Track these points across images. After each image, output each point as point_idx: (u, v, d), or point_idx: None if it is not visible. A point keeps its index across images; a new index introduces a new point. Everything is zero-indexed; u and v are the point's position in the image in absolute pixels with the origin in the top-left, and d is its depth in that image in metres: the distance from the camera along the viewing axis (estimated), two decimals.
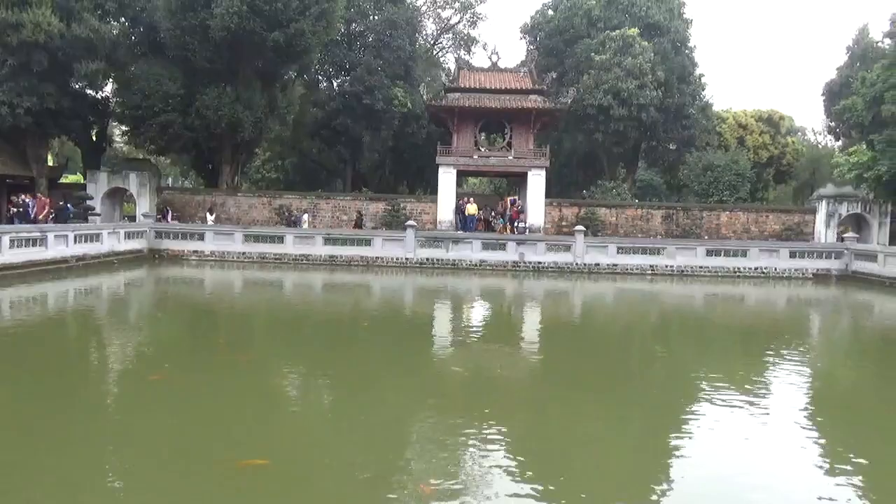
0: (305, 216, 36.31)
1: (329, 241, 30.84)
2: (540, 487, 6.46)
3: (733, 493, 6.64)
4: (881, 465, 7.58)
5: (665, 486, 6.75)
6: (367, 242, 31.00)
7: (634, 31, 40.34)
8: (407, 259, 30.46)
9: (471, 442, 7.69)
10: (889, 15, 34.00)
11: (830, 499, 6.46)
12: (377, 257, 30.51)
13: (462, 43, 53.51)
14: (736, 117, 51.55)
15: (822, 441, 8.42)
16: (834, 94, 46.60)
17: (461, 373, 11.60)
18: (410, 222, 31.94)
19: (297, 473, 6.78)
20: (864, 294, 26.77)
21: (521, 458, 7.32)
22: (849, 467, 7.38)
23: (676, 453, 7.79)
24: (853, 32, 48.51)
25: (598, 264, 30.80)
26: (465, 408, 9.16)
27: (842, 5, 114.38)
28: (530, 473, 6.87)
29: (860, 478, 7.06)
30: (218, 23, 31.61)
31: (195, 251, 30.53)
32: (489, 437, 7.89)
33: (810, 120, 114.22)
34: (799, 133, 62.18)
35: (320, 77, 46.91)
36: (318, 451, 7.52)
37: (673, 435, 8.45)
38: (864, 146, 34.96)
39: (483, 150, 38.21)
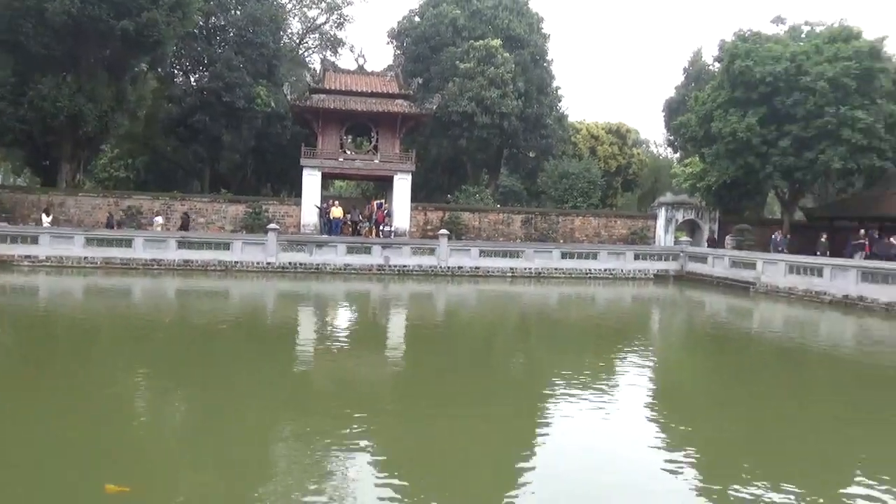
0: (158, 218, 34.15)
1: (183, 244, 29.19)
2: (405, 491, 6.55)
3: (587, 479, 7.09)
4: (716, 445, 8.41)
5: (523, 479, 7.08)
6: (226, 246, 29.71)
7: (497, 42, 41.91)
8: (268, 263, 29.55)
9: (337, 452, 7.58)
10: (718, 41, 37.89)
11: (672, 471, 7.11)
12: (236, 261, 29.33)
13: (328, 44, 52.91)
14: (589, 129, 55.04)
15: (663, 422, 9.24)
16: (673, 110, 51.13)
17: (325, 380, 11.45)
18: (273, 225, 31.03)
19: (161, 499, 6.29)
20: (696, 292, 29.56)
21: (387, 464, 7.35)
22: (687, 446, 8.15)
23: (536, 444, 8.22)
24: (689, 55, 53.64)
25: (461, 267, 31.60)
26: (331, 416, 9.05)
27: (681, 29, 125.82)
28: (395, 479, 6.91)
29: (698, 456, 7.81)
30: (57, 6, 28.97)
31: (27, 256, 27.68)
32: (356, 444, 7.83)
33: (653, 133, 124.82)
34: (644, 145, 67.62)
35: (176, 71, 44.36)
36: (180, 473, 7.05)
37: (533, 427, 8.91)
38: (698, 159, 38.66)
39: (349, 153, 37.96)
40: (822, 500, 6.68)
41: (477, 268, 31.79)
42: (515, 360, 14.21)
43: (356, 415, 8.98)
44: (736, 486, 6.89)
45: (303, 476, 6.83)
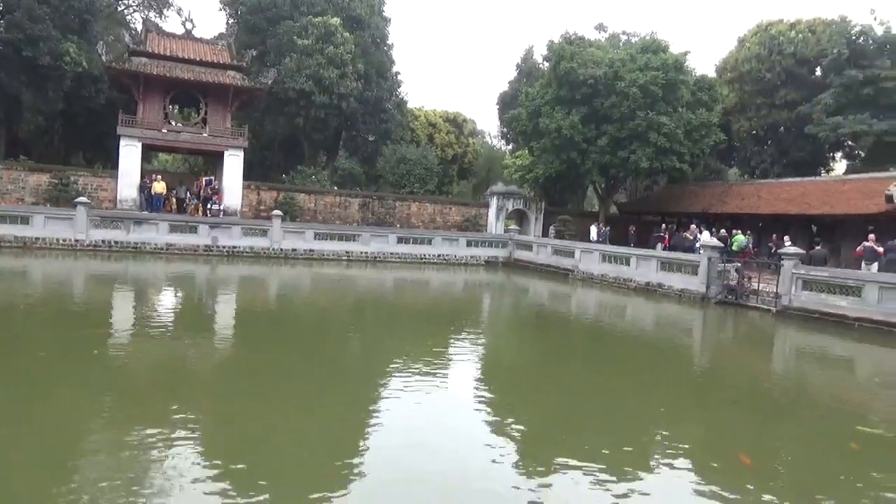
0: None
1: None
2: (234, 480, 6.25)
3: (419, 456, 7.23)
4: (540, 420, 8.96)
5: (358, 459, 7.06)
6: (25, 220, 26.42)
7: (336, 20, 41.05)
8: (77, 241, 26.76)
9: (158, 445, 7.05)
10: (547, 42, 40.20)
11: (500, 446, 7.47)
12: (38, 238, 26.23)
13: (153, 4, 48.59)
14: (427, 116, 55.95)
15: (493, 401, 9.69)
16: (506, 103, 53.51)
17: (134, 371, 10.59)
18: (82, 199, 28.10)
19: None
20: (522, 278, 31.38)
21: (215, 455, 6.97)
22: (514, 422, 8.61)
23: (370, 425, 8.23)
24: (522, 52, 56.31)
25: (295, 250, 30.82)
26: (150, 407, 8.39)
27: (517, 25, 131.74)
28: (224, 469, 6.58)
29: (521, 429, 8.28)
30: None
31: None
32: (178, 437, 7.33)
33: (489, 125, 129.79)
34: (479, 135, 70.15)
35: None
36: None
37: (366, 408, 8.92)
38: (527, 152, 40.88)
39: (174, 124, 35.32)
40: (628, 463, 7.43)
41: (311, 251, 31.19)
42: (348, 346, 14.16)
43: (176, 407, 8.44)
44: (558, 458, 7.44)
45: (114, 474, 6.29)
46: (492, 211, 41.93)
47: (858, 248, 23.48)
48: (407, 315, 19.41)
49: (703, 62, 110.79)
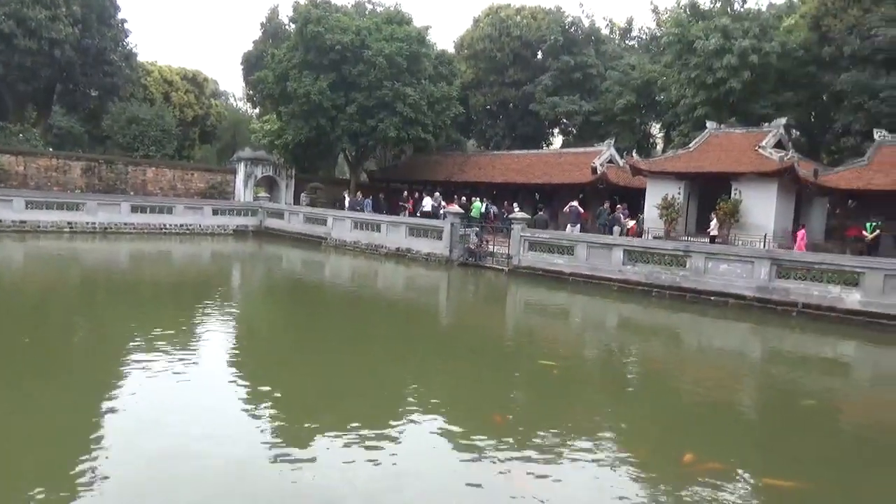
0: None
1: None
2: None
3: (171, 436, 6.79)
4: (298, 391, 8.95)
5: (97, 451, 6.41)
6: None
7: None
8: None
9: None
10: (293, 2, 38.98)
11: (247, 424, 7.33)
12: None
13: None
14: (162, 72, 51.07)
15: (247, 374, 9.43)
16: (251, 64, 50.98)
17: None
18: None
19: None
20: (274, 247, 30.72)
21: None
22: (273, 391, 8.50)
23: (107, 412, 7.48)
24: (266, 11, 53.90)
25: (1, 221, 26.32)
26: None
27: None
28: None
29: (282, 402, 8.21)
30: None
31: None
32: None
33: (233, 86, 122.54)
34: (223, 97, 66.04)
35: None
36: None
37: (103, 394, 8.08)
38: (275, 116, 39.66)
39: None
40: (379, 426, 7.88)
41: (23, 221, 26.95)
42: (77, 330, 12.66)
43: None
44: (317, 426, 7.60)
45: None
46: (239, 177, 39.99)
47: (566, 210, 27.48)
48: (147, 291, 17.85)
49: (443, 38, 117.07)
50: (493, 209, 31.69)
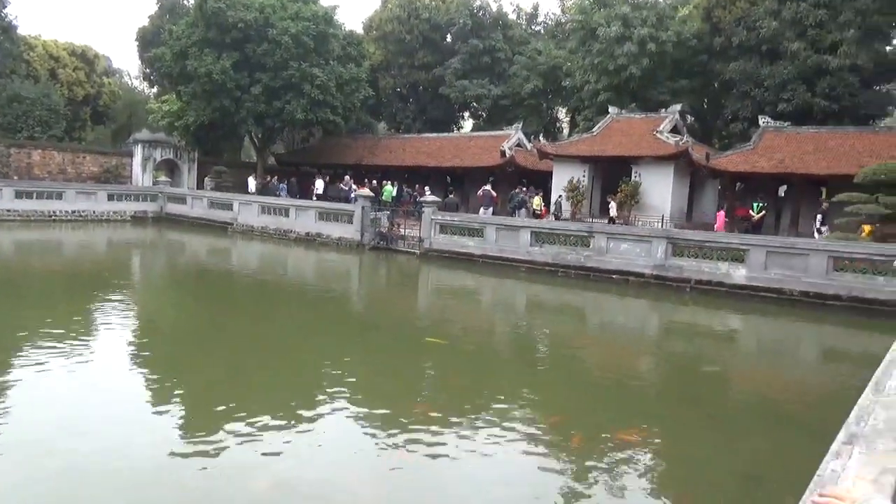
0: None
1: None
2: None
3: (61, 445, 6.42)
4: (207, 383, 8.65)
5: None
6: None
7: None
8: None
9: None
10: None
11: (149, 421, 7.05)
12: None
13: None
14: (47, 47, 47.45)
15: (151, 367, 9.03)
16: (147, 41, 48.27)
17: None
18: None
19: None
20: (176, 233, 29.43)
21: None
22: (176, 386, 8.18)
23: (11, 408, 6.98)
24: None
25: None
26: None
27: None
28: None
29: (191, 396, 7.92)
30: None
31: None
32: None
33: (127, 63, 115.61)
34: (116, 75, 62.08)
35: None
36: None
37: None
38: (175, 96, 37.77)
39: None
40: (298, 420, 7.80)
41: None
42: None
43: None
44: (223, 422, 7.41)
45: None
46: (137, 161, 37.96)
47: (479, 193, 27.89)
48: (36, 283, 16.69)
49: (351, 18, 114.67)
50: (407, 192, 31.71)
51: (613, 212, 26.50)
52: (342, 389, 8.84)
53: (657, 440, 7.60)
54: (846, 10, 28.65)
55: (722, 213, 24.82)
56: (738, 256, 18.02)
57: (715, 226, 24.17)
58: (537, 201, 28.03)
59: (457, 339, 12.18)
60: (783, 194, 29.52)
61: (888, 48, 31.48)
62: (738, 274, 17.82)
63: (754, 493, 6.41)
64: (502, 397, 8.90)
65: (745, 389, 10.45)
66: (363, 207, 25.57)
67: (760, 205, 25.38)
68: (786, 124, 28.82)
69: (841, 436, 2.45)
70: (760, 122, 29.06)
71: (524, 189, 28.75)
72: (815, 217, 22.87)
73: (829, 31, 29.15)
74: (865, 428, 2.52)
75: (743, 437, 7.91)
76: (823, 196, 25.52)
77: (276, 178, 36.18)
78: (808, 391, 10.30)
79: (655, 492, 6.25)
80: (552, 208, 28.68)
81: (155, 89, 53.77)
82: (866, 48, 28.94)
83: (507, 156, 31.93)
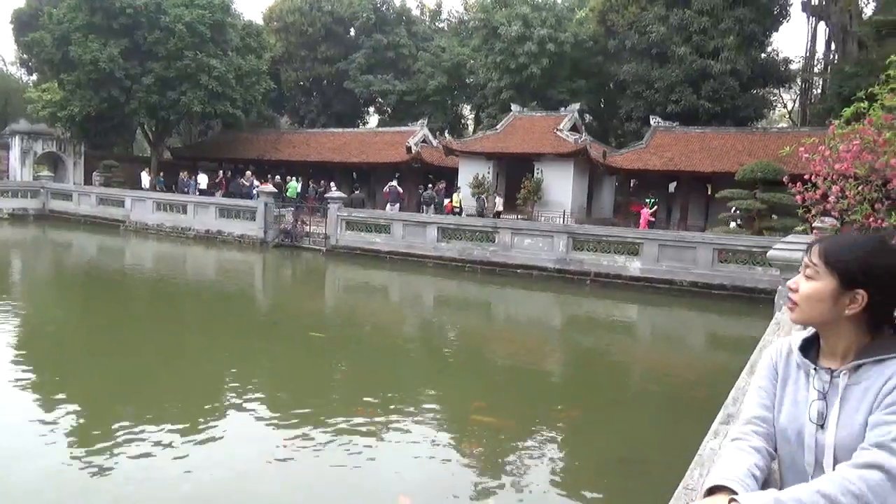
0: None
1: None
2: None
3: None
4: (98, 394, 8.12)
5: None
6: None
7: None
8: None
9: None
10: None
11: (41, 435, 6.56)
12: None
13: None
14: None
15: (36, 375, 8.39)
16: (24, 24, 44.50)
17: None
18: None
19: None
20: (61, 232, 27.51)
21: None
22: (66, 401, 7.64)
23: None
24: None
25: None
26: None
27: None
28: None
29: (80, 407, 7.40)
30: None
31: None
32: None
33: (1, 48, 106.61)
34: None
35: None
36: None
37: None
38: (57, 85, 35.18)
39: None
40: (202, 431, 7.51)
41: None
42: None
43: None
44: (123, 431, 7.03)
45: None
46: (14, 154, 35.04)
47: (385, 190, 27.79)
48: None
49: (250, 8, 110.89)
50: (312, 188, 31.09)
51: (500, 207, 27.16)
52: (241, 391, 8.61)
53: (542, 427, 7.92)
54: (726, 18, 30.77)
55: (645, 209, 25.29)
56: (633, 250, 18.98)
57: (640, 222, 24.48)
58: (456, 198, 27.82)
59: (339, 332, 12.12)
60: (673, 190, 31.33)
61: (763, 55, 34.06)
62: (634, 266, 18.77)
63: (631, 474, 6.80)
64: (412, 391, 8.97)
65: (639, 375, 11.06)
66: (266, 204, 24.87)
67: (653, 200, 26.81)
68: (674, 124, 30.59)
69: (719, 416, 2.67)
70: (652, 122, 30.67)
71: (432, 186, 28.95)
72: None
73: (712, 38, 31.20)
74: (741, 408, 2.76)
75: (637, 419, 8.39)
76: (709, 192, 27.35)
77: (185, 173, 34.09)
78: (695, 374, 11.04)
79: (543, 477, 6.53)
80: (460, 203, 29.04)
81: (34, 77, 49.82)
82: (744, 54, 31.21)
83: (413, 152, 32.02)
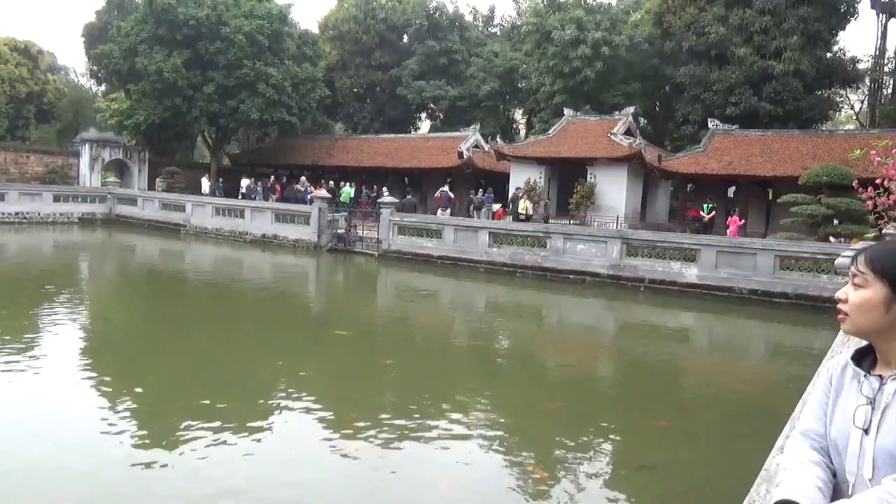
0: None
1: None
2: None
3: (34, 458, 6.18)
4: (165, 389, 8.42)
5: None
6: None
7: None
8: None
9: None
10: None
11: (112, 424, 6.83)
12: None
13: None
14: None
15: (101, 377, 8.75)
16: (94, 37, 46.77)
17: None
18: None
19: None
20: (127, 235, 28.65)
21: None
22: (132, 393, 7.95)
23: None
24: None
25: None
26: None
27: None
28: None
29: (138, 404, 7.70)
30: None
31: None
32: None
33: (73, 60, 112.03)
34: (62, 72, 60.11)
35: None
36: None
37: None
38: (124, 95, 36.72)
39: None
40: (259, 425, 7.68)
41: None
42: None
43: None
44: (190, 425, 7.25)
45: None
46: (84, 161, 36.81)
47: (437, 195, 27.87)
48: None
49: (306, 17, 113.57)
50: (365, 193, 31.44)
51: (530, 211, 25.75)
52: (301, 392, 8.76)
53: (615, 437, 7.75)
54: (789, 17, 29.71)
55: (735, 217, 24.10)
56: (689, 256, 18.49)
57: (728, 231, 23.25)
58: (523, 204, 26.67)
59: (401, 335, 12.17)
60: (732, 195, 30.41)
61: (828, 55, 32.74)
62: (690, 273, 18.28)
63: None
64: (461, 398, 8.93)
65: (702, 386, 10.74)
66: (320, 209, 25.32)
67: (710, 205, 26.08)
68: (734, 127, 29.69)
69: (785, 430, 2.56)
70: (710, 125, 29.86)
71: (483, 191, 28.89)
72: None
73: (774, 38, 30.16)
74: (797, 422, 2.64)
75: (704, 435, 8.14)
76: (770, 196, 26.39)
77: (252, 180, 34.43)
78: (758, 386, 10.65)
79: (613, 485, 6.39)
80: (510, 207, 28.76)
81: (103, 87, 52.15)
82: (808, 54, 30.05)
83: (465, 157, 32.05)
